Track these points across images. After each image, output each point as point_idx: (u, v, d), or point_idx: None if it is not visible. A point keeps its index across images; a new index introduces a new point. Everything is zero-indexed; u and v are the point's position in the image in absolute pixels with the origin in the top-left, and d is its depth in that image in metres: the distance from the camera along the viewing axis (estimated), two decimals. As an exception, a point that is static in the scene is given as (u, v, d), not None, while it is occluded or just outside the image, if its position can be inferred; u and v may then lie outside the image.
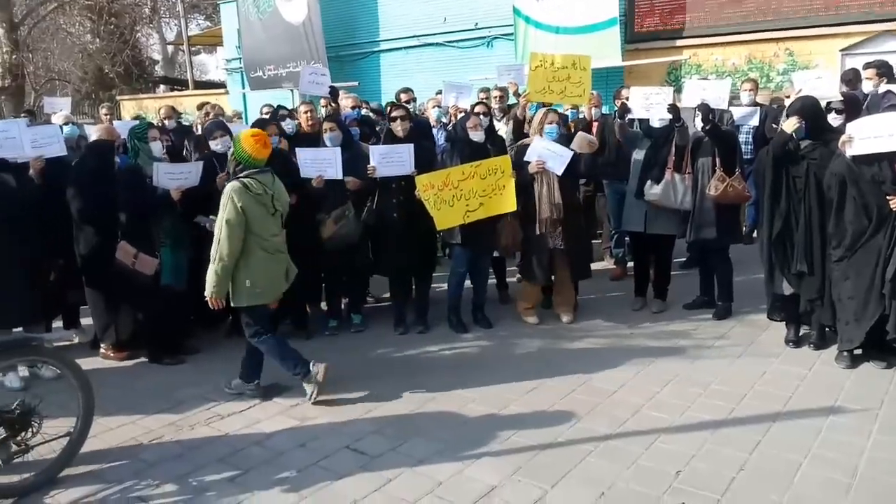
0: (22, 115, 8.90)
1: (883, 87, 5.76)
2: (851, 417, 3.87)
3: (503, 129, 6.51)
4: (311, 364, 4.29)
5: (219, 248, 4.05)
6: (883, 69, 6.19)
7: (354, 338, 5.56)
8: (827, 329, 4.86)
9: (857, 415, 3.89)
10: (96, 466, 3.64)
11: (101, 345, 5.23)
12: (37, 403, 3.43)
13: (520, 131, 5.84)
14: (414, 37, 12.31)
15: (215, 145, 5.22)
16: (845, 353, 4.55)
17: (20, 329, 4.90)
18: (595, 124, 6.75)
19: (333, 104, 6.73)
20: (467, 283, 5.68)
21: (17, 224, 4.73)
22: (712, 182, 5.25)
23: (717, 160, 5.26)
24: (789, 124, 4.52)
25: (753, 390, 4.26)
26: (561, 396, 4.28)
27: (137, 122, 6.83)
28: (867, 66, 6.23)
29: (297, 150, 5.28)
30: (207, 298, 4.14)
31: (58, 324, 5.63)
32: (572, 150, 5.20)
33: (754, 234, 7.41)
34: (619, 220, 6.13)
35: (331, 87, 6.84)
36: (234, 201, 4.03)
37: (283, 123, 5.79)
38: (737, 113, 7.00)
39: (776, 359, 4.74)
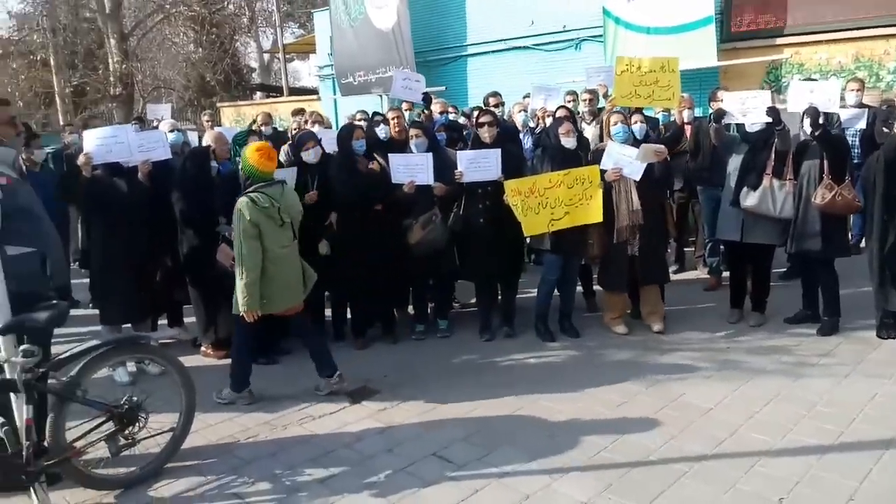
0: (132, 121, 9.45)
1: None
2: (977, 449, 3.56)
3: (591, 131, 6.39)
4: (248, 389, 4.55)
5: (242, 262, 4.21)
6: None
7: (441, 343, 5.59)
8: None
9: (983, 446, 3.58)
10: (196, 462, 3.81)
11: (202, 343, 5.48)
12: (143, 399, 3.62)
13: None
14: (501, 40, 12.27)
15: (308, 156, 5.36)
16: (969, 378, 4.20)
17: (129, 326, 5.21)
18: (688, 128, 6.53)
19: (427, 111, 6.77)
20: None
21: (126, 226, 5.03)
22: (819, 190, 4.95)
23: (826, 167, 4.95)
24: None
25: (863, 414, 3.98)
26: (653, 411, 4.15)
27: (236, 128, 7.14)
28: None
29: (389, 155, 5.36)
30: (242, 314, 4.27)
31: (163, 321, 5.94)
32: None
33: (861, 245, 6.97)
34: (714, 227, 5.89)
35: (424, 93, 6.89)
36: (244, 217, 4.19)
37: (377, 129, 5.89)
38: (843, 115, 6.58)
39: (888, 380, 4.41)
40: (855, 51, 8.77)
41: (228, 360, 5.31)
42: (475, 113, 7.54)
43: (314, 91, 19.41)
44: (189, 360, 5.03)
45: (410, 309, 5.94)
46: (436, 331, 5.75)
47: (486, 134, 5.41)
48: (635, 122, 5.44)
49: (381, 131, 5.88)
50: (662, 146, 5.25)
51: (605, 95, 6.88)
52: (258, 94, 24.96)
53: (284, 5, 24.37)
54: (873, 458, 3.50)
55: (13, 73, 21.97)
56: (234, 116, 19.12)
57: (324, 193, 5.26)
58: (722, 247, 6.25)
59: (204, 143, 5.53)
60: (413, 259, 5.43)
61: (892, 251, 4.37)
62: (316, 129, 6.48)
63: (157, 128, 6.69)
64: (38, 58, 22.01)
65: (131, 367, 4.99)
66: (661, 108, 6.53)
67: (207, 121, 8.98)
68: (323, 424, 4.22)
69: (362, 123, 6.21)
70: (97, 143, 5.10)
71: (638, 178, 5.14)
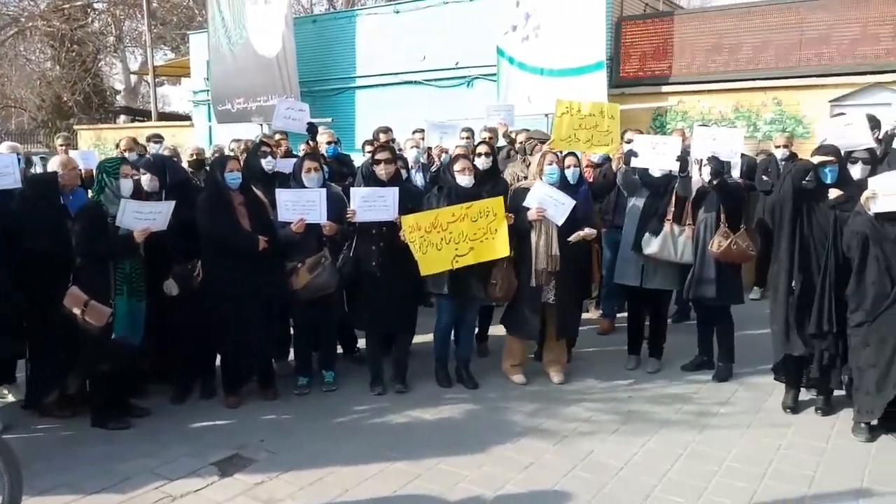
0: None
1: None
2: (883, 502, 3.50)
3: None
4: None
5: None
6: (873, 122, 6.04)
7: (327, 398, 5.02)
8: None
9: (888, 499, 3.54)
10: (19, 564, 3.04)
11: (41, 402, 4.61)
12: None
13: None
14: (392, 74, 12.01)
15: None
16: (863, 425, 4.22)
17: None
18: (590, 170, 6.44)
19: (312, 142, 6.28)
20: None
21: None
22: (715, 238, 4.93)
23: (723, 215, 4.95)
24: (819, 159, 4.31)
25: (773, 468, 3.88)
26: (562, 474, 3.83)
27: (94, 152, 6.32)
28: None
29: (277, 191, 4.81)
30: None
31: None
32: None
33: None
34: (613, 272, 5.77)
35: (309, 123, 6.39)
36: None
37: (263, 161, 5.31)
38: None
39: (788, 429, 4.38)
40: (735, 101, 9.25)
41: (69, 431, 4.49)
42: (366, 148, 7.18)
43: (187, 117, 18.28)
44: (22, 425, 4.22)
45: (291, 359, 5.35)
46: (321, 384, 5.18)
47: (382, 171, 5.00)
48: (569, 166, 5.17)
49: (267, 163, 5.31)
50: (594, 231, 5.04)
51: (506, 134, 6.71)
52: (122, 117, 23.22)
53: (156, 26, 22.99)
54: (791, 519, 3.36)
55: None
56: (94, 140, 17.57)
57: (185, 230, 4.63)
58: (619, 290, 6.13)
59: (49, 169, 4.73)
60: (297, 304, 4.89)
61: (800, 294, 4.35)
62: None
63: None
64: None
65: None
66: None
67: (62, 144, 7.98)
68: (187, 505, 3.56)
69: (233, 154, 5.63)
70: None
71: (560, 223, 4.89)
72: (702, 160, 4.94)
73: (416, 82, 11.84)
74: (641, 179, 5.27)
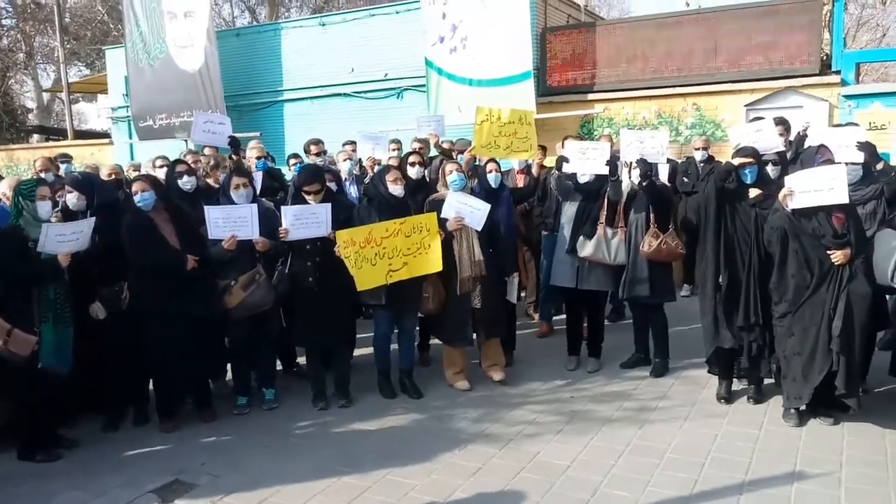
0: None
1: (813, 141, 5.84)
2: (816, 484, 3.68)
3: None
4: None
5: None
6: (786, 125, 6.38)
7: (268, 416, 4.90)
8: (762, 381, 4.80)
9: (820, 480, 3.72)
10: None
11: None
12: None
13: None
14: (320, 86, 11.90)
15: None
16: (793, 411, 4.42)
17: None
18: (520, 176, 6.56)
19: (234, 156, 6.10)
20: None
21: None
22: (646, 239, 5.11)
23: (652, 216, 5.12)
24: (739, 161, 4.50)
25: (711, 458, 4.01)
26: (510, 477, 3.86)
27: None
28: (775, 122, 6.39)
29: (206, 208, 4.66)
30: None
31: None
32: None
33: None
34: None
35: (231, 137, 6.21)
36: None
37: (180, 182, 5.11)
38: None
39: (723, 419, 4.55)
40: (657, 107, 9.60)
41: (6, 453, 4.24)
42: (291, 161, 7.08)
43: (105, 134, 17.59)
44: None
45: (229, 379, 5.21)
46: (261, 402, 5.05)
47: (313, 200, 4.93)
48: (490, 171, 5.27)
49: (186, 183, 5.12)
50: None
51: (437, 145, 6.75)
52: (36, 136, 22.12)
53: (69, 41, 22.04)
54: (732, 504, 3.48)
55: None
56: (6, 161, 16.68)
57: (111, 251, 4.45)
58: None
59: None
60: (232, 323, 4.76)
61: (728, 289, 4.53)
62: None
63: None
64: None
65: None
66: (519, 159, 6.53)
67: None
68: (125, 537, 3.40)
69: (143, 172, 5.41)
70: None
71: (480, 228, 4.96)
72: (631, 163, 5.11)
73: (345, 94, 11.78)
74: (575, 184, 5.40)
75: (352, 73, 11.61)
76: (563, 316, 5.93)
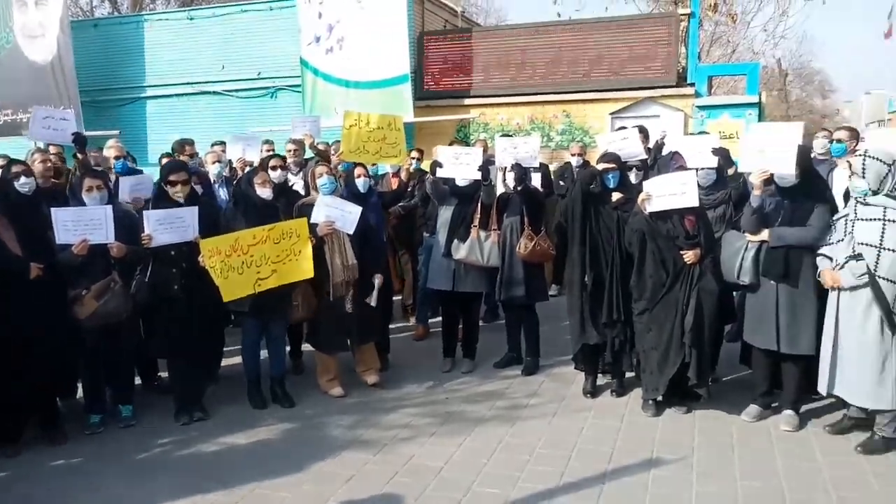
0: None
1: (670, 148, 6.20)
2: (671, 469, 3.91)
3: (297, 183, 6.03)
4: None
5: None
6: (645, 133, 6.78)
7: (125, 435, 4.57)
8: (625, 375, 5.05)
9: (674, 465, 3.94)
10: None
11: None
12: None
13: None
14: (187, 83, 11.35)
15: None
16: (651, 402, 4.68)
17: None
18: (395, 180, 6.55)
19: (81, 155, 5.64)
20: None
21: None
22: (521, 241, 5.25)
23: (526, 219, 5.26)
24: (602, 166, 4.71)
25: (577, 450, 4.17)
26: (385, 482, 3.82)
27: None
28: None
29: (53, 210, 4.27)
30: None
31: None
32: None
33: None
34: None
35: (76, 133, 5.73)
36: None
37: (17, 183, 4.61)
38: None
39: (589, 413, 4.74)
40: (530, 113, 9.95)
41: None
42: (163, 161, 6.68)
43: (-57, 131, 15.88)
44: None
45: (81, 396, 4.82)
46: (118, 420, 4.71)
47: (179, 193, 4.67)
48: (359, 176, 5.26)
49: (24, 185, 4.62)
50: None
51: (312, 146, 6.60)
52: None
53: None
54: (594, 495, 3.63)
55: None
56: None
57: None
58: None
59: None
60: (84, 335, 4.42)
61: (593, 288, 4.72)
62: None
63: None
64: None
65: None
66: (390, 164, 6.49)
67: None
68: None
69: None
70: None
71: (352, 232, 4.89)
72: (505, 168, 5.23)
73: (215, 93, 11.32)
74: (450, 188, 5.45)
75: (222, 71, 11.17)
76: (440, 318, 5.99)
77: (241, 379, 5.09)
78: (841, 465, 3.87)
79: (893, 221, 3.82)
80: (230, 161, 6.77)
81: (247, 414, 4.85)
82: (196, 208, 4.59)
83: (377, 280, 5.10)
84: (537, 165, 6.04)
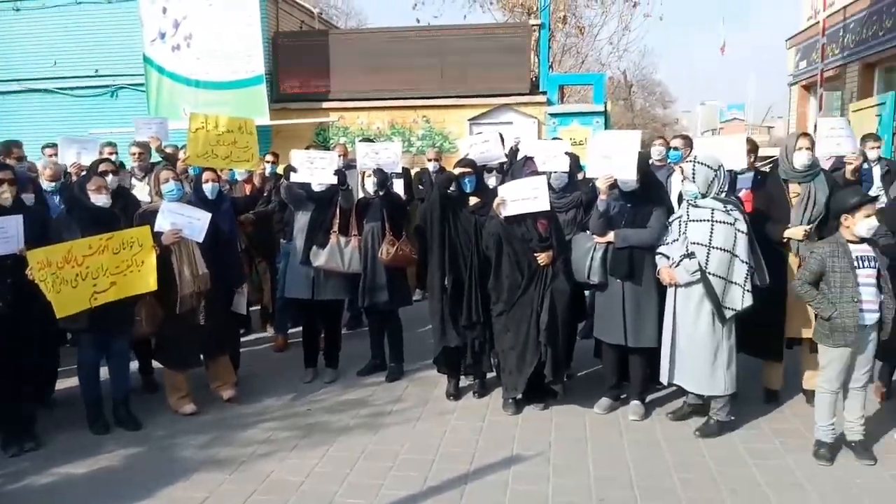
0: None
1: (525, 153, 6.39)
2: (529, 465, 4.02)
3: (143, 189, 5.64)
4: None
5: None
6: (501, 139, 7.00)
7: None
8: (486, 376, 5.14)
9: (533, 461, 4.07)
10: None
11: None
12: None
13: None
14: (13, 80, 10.29)
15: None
16: (510, 401, 4.80)
17: None
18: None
19: None
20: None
21: None
22: (384, 246, 5.21)
23: (387, 224, 5.23)
24: (459, 171, 4.79)
25: (440, 453, 4.19)
26: (242, 501, 3.65)
27: None
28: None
29: None
30: None
31: None
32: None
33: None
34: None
35: None
36: None
37: None
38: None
39: (452, 415, 4.79)
40: (390, 118, 9.95)
41: None
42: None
43: None
44: None
45: None
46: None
47: (7, 194, 4.22)
48: (206, 181, 5.03)
49: None
50: None
51: (159, 149, 6.19)
52: None
53: None
54: (457, 496, 3.66)
55: None
56: None
57: None
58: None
59: None
60: None
61: (453, 291, 4.76)
62: None
63: None
64: None
65: None
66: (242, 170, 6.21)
67: None
68: None
69: None
70: None
71: (201, 240, 4.64)
72: (364, 172, 5.18)
73: (46, 90, 10.36)
74: (307, 193, 5.31)
75: (54, 67, 10.25)
76: (300, 328, 5.82)
77: (79, 402, 4.66)
78: (682, 451, 4.17)
79: (720, 222, 4.17)
80: (65, 167, 6.20)
81: (87, 440, 4.45)
82: (20, 217, 4.16)
83: (243, 289, 4.91)
84: (399, 171, 6.05)
